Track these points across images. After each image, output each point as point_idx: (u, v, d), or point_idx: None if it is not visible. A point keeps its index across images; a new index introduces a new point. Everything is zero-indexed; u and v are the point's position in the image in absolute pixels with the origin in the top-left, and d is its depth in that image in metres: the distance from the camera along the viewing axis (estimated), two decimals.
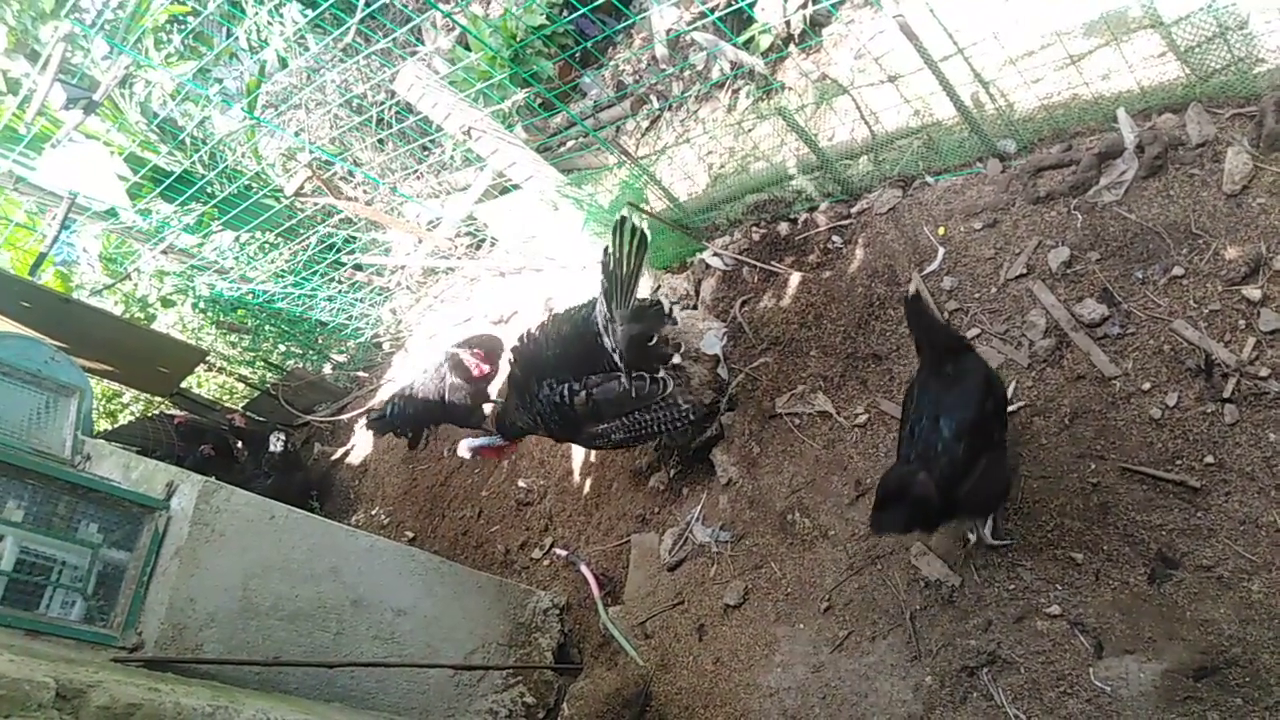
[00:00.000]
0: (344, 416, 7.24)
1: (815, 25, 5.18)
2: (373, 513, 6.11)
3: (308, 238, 6.61)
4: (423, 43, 6.59)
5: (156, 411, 7.47)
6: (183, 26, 6.69)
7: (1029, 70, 3.73)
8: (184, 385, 7.16)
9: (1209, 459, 2.81)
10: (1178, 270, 3.09)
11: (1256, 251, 2.95)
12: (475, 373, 4.90)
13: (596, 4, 4.51)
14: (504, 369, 4.50)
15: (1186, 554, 2.74)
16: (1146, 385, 3.01)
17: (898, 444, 2.95)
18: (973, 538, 3.14)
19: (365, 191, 6.72)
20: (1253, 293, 2.92)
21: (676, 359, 4.20)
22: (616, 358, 3.83)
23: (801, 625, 3.44)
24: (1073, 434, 3.10)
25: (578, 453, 4.93)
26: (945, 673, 2.99)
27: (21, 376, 3.76)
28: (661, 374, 3.92)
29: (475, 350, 4.89)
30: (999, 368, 3.39)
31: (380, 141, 6.51)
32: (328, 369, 7.82)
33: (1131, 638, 2.72)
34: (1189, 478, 2.80)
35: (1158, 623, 2.70)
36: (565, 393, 3.88)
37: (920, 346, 3.08)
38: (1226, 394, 2.85)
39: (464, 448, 4.35)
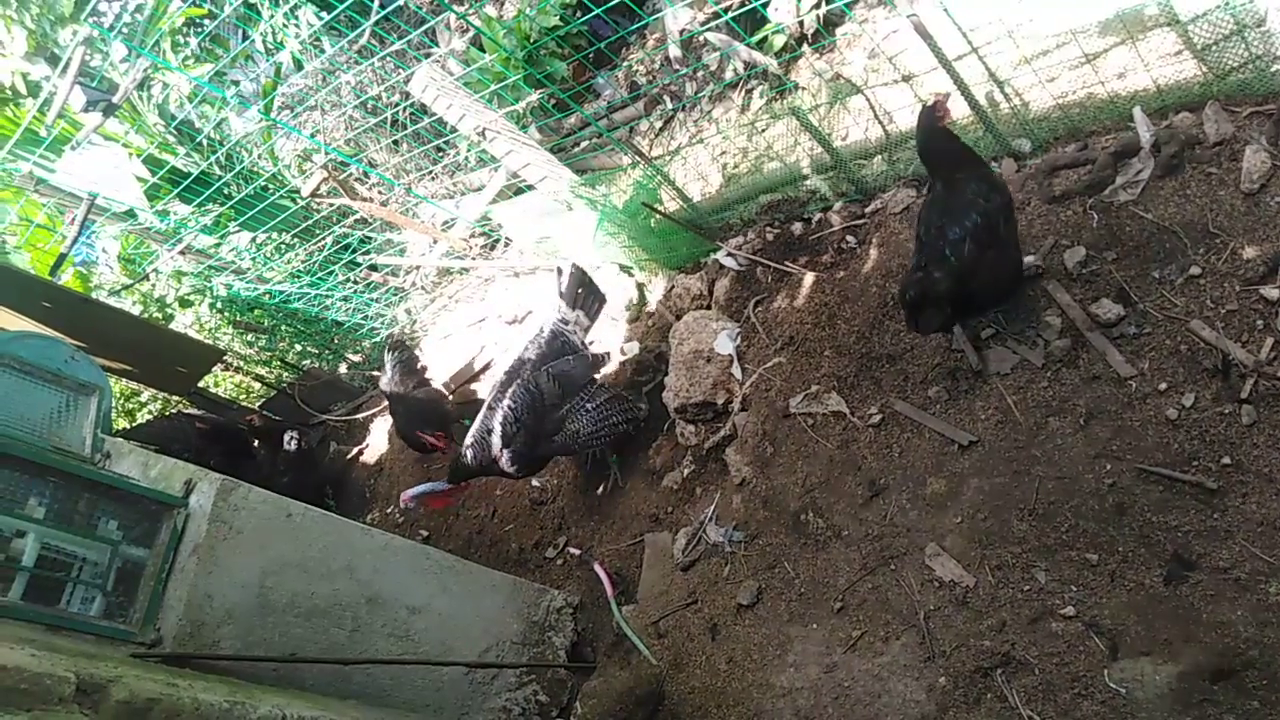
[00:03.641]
0: (359, 415, 7.29)
1: (829, 25, 5.17)
2: (388, 511, 6.15)
3: (324, 238, 6.64)
4: (437, 44, 6.61)
5: (174, 410, 7.54)
6: (199, 29, 6.75)
7: (1044, 69, 3.71)
8: (201, 384, 7.23)
9: (1226, 460, 2.78)
10: (1195, 270, 3.07)
11: (1275, 251, 2.93)
12: (436, 445, 5.55)
13: (610, 5, 4.51)
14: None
15: (1203, 555, 2.72)
16: (1163, 386, 2.99)
17: (914, 253, 3.32)
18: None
19: (380, 192, 6.75)
20: (1271, 292, 2.89)
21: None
22: (577, 340, 4.59)
23: (815, 625, 3.44)
24: (1088, 434, 3.08)
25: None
26: (959, 674, 2.98)
27: (42, 375, 3.80)
28: (598, 354, 4.68)
29: (436, 433, 5.54)
30: (1014, 368, 3.38)
31: (395, 143, 6.54)
32: (343, 368, 7.86)
33: (1147, 639, 2.71)
34: (1206, 479, 2.78)
35: (1173, 624, 2.68)
36: (532, 380, 4.39)
37: (932, 165, 3.30)
38: (1244, 395, 2.82)
39: (406, 496, 4.62)
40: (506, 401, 4.37)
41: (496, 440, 4.36)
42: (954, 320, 3.32)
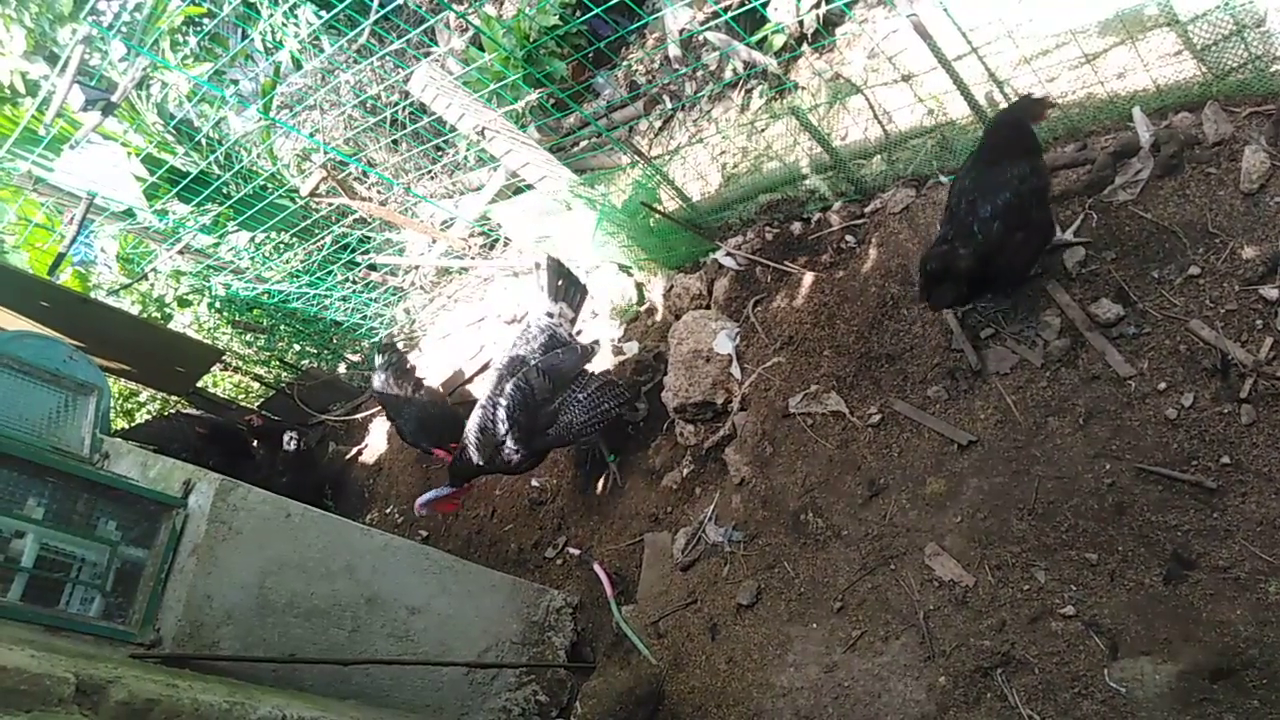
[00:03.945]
0: (358, 416, 7.28)
1: (828, 24, 5.17)
2: (387, 511, 6.15)
3: (323, 238, 6.64)
4: (436, 44, 6.61)
5: (173, 410, 7.53)
6: (199, 28, 6.74)
7: (1043, 69, 3.72)
8: (200, 384, 7.22)
9: (1225, 459, 2.79)
10: (1194, 270, 3.07)
11: (1274, 250, 2.93)
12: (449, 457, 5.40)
13: (610, 4, 4.51)
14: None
15: (1203, 555, 2.72)
16: (1162, 385, 3.00)
17: (941, 222, 3.31)
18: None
19: (380, 192, 6.75)
20: (1270, 292, 2.90)
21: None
22: (564, 333, 4.63)
23: (814, 625, 3.44)
24: (1088, 434, 3.08)
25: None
26: (959, 673, 2.99)
27: (41, 375, 3.79)
28: (588, 343, 4.70)
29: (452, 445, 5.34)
30: (1013, 368, 3.38)
31: (394, 142, 6.53)
32: (342, 368, 7.86)
33: (1147, 639, 2.71)
34: (1205, 478, 2.79)
35: (1173, 624, 2.68)
36: (523, 378, 4.42)
37: (993, 148, 3.21)
38: (1243, 394, 2.83)
39: (419, 505, 4.69)
40: (500, 399, 4.42)
41: (492, 439, 4.41)
42: (969, 298, 3.34)
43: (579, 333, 4.86)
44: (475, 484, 5.19)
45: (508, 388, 4.43)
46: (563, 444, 4.60)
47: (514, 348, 4.65)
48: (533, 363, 4.49)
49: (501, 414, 4.38)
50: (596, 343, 4.81)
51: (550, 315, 4.67)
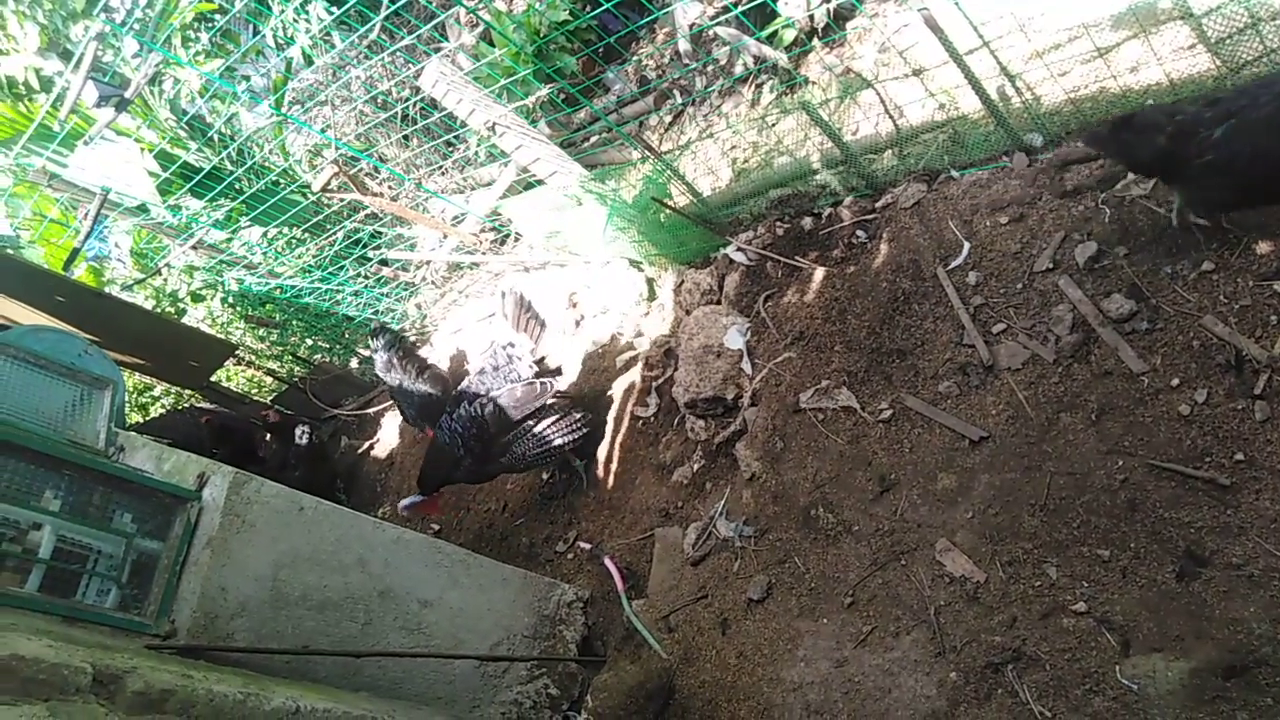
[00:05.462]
0: (370, 410, 7.31)
1: (839, 19, 5.15)
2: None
3: (334, 233, 6.66)
4: (447, 39, 6.62)
5: (186, 405, 7.59)
6: (210, 24, 6.76)
7: (1056, 63, 3.70)
8: (213, 379, 7.27)
9: (1239, 456, 2.77)
10: (1207, 265, 3.05)
11: None
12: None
13: None
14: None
15: (1215, 552, 2.71)
16: (1175, 381, 2.98)
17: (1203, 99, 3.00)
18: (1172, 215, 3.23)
19: (391, 187, 6.76)
20: None
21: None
22: (525, 365, 4.88)
23: (825, 620, 3.45)
24: (1100, 430, 3.07)
25: (601, 447, 4.96)
26: (970, 669, 2.98)
27: (56, 369, 3.82)
28: (544, 380, 4.88)
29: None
30: (1025, 363, 3.36)
31: (405, 138, 6.55)
32: (354, 363, 7.89)
33: (1159, 635, 2.70)
34: (1218, 475, 2.77)
35: (1186, 621, 2.67)
36: (478, 408, 4.77)
37: None
38: (1257, 390, 2.81)
39: (401, 508, 5.01)
40: (456, 426, 4.72)
41: (449, 458, 4.73)
42: (1116, 158, 3.27)
43: (543, 359, 5.18)
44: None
45: (463, 414, 4.74)
46: (514, 471, 4.92)
47: (480, 371, 4.94)
48: (492, 393, 4.76)
49: (457, 441, 4.69)
50: (559, 369, 5.14)
51: (513, 345, 4.93)
